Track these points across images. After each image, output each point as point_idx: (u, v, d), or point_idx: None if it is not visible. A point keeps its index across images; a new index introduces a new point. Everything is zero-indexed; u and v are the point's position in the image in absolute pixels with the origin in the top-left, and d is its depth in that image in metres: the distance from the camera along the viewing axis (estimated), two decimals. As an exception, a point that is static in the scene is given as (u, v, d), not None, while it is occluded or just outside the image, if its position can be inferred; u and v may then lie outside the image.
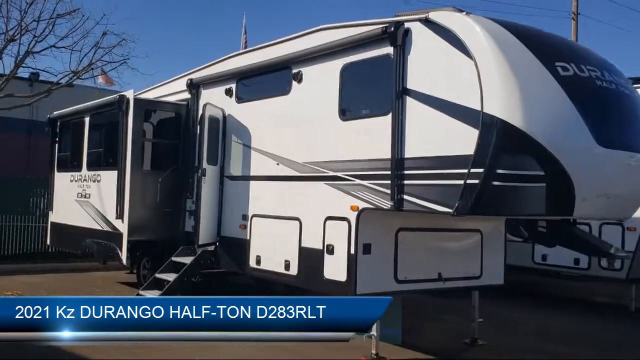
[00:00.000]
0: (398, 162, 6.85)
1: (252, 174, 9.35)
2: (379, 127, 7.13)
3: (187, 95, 11.10)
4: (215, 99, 10.25)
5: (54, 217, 13.54)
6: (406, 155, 6.83)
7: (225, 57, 10.21)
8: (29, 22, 18.32)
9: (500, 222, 8.98)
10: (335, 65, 7.89)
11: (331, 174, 7.82)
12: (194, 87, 10.75)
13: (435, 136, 6.62)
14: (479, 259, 8.72)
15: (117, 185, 10.50)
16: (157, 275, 10.03)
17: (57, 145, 13.62)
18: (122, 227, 10.44)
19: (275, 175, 8.83)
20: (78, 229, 12.14)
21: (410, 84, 6.88)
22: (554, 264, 11.99)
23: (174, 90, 11.57)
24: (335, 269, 7.63)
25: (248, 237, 9.28)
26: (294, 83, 8.59)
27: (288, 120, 8.70)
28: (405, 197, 6.80)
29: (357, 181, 7.41)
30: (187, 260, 10.03)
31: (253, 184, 9.32)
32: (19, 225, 15.63)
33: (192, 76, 10.79)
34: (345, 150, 7.63)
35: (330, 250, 7.71)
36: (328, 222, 7.80)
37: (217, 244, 9.89)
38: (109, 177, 11.07)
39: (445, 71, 6.63)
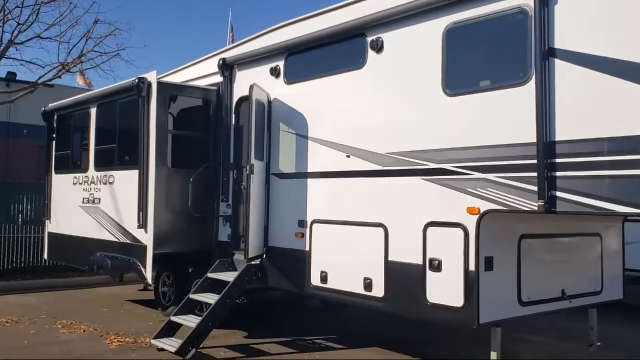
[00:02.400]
0: (547, 147, 5.10)
1: (310, 170, 7.54)
2: (512, 100, 5.38)
3: (213, 79, 9.27)
4: (255, 81, 8.44)
5: (53, 226, 11.56)
6: (558, 138, 5.08)
7: (269, 29, 8.37)
8: (12, 7, 16.34)
9: (618, 223, 7.33)
10: (435, 27, 6.12)
11: (433, 166, 6.05)
12: (227, 68, 8.91)
13: (601, 110, 4.87)
14: (599, 270, 7.08)
15: (138, 187, 8.61)
16: (192, 297, 8.17)
17: (54, 142, 11.62)
18: (146, 238, 8.56)
19: (346, 171, 7.05)
20: (84, 241, 10.23)
21: (559, 42, 5.13)
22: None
23: (197, 75, 9.72)
24: (444, 290, 5.87)
25: (307, 248, 7.48)
26: (371, 53, 6.81)
27: (363, 100, 6.92)
28: (560, 194, 5.05)
29: (477, 175, 5.64)
30: (227, 276, 8.20)
31: (312, 182, 7.51)
32: (4, 236, 13.59)
33: (226, 55, 8.95)
34: (456, 134, 5.86)
35: (436, 266, 5.94)
36: (430, 229, 6.03)
37: (264, 256, 8.07)
38: (125, 178, 9.19)
39: (610, 18, 4.89)
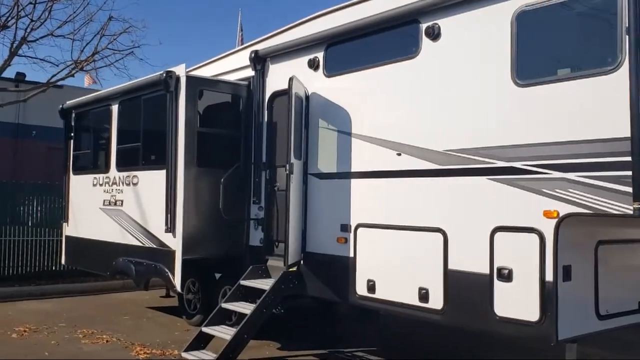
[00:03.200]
0: (645, 142, 4.50)
1: (354, 169, 6.96)
2: (600, 90, 4.78)
3: (242, 74, 8.71)
4: (290, 75, 7.88)
5: (71, 230, 11.02)
6: (658, 132, 4.47)
7: (306, 18, 7.80)
8: (25, 4, 15.85)
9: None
10: (503, 11, 5.52)
11: (501, 164, 5.46)
12: (260, 61, 8.34)
13: None
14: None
15: (166, 189, 8.05)
16: (225, 306, 7.61)
17: (72, 141, 11.08)
18: (174, 242, 8.00)
19: (396, 171, 6.46)
20: (106, 245, 9.68)
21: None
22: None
23: (224, 70, 9.16)
24: (516, 303, 5.27)
25: (352, 255, 6.89)
26: (427, 41, 6.22)
27: (416, 92, 6.33)
28: (660, 195, 4.44)
29: (556, 174, 5.04)
30: (262, 284, 7.64)
31: (357, 183, 6.93)
32: (16, 239, 13.06)
33: (258, 47, 8.38)
34: (529, 129, 5.27)
35: (506, 275, 5.34)
36: (499, 235, 5.43)
37: (301, 262, 7.49)
38: (151, 179, 8.65)
39: None
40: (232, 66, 9.03)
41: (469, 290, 5.64)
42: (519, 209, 5.27)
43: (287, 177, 6.99)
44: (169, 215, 8.01)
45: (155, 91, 8.51)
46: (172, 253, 8.05)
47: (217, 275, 9.19)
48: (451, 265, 5.85)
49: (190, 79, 8.03)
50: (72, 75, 18.00)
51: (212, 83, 8.49)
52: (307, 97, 7.57)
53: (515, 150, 5.34)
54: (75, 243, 10.82)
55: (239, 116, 8.65)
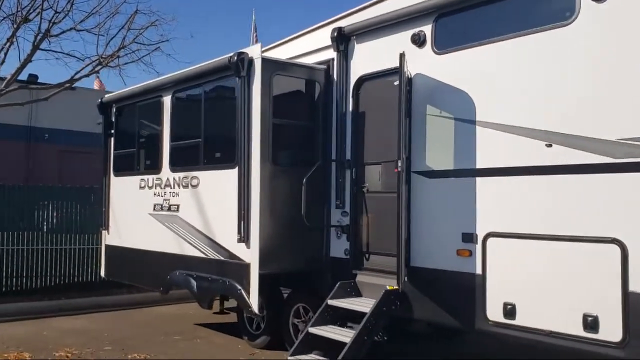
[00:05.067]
0: None
1: (480, 165, 5.70)
2: None
3: (315, 57, 7.47)
4: (383, 55, 6.65)
5: (112, 238, 9.77)
6: None
7: (407, -14, 6.53)
8: (48, -4, 14.72)
9: None
10: None
11: None
12: (343, 40, 7.09)
13: None
14: None
15: (238, 191, 6.80)
16: (313, 331, 6.35)
17: (113, 139, 9.84)
18: (248, 254, 6.74)
19: (546, 166, 5.18)
20: (157, 256, 8.44)
21: None
22: None
23: (292, 54, 7.90)
24: None
25: (479, 271, 5.62)
26: (587, 3, 4.94)
27: (572, 68, 5.06)
28: None
29: None
30: (355, 304, 6.40)
31: (485, 182, 5.66)
32: (45, 248, 11.87)
33: (342, 23, 7.12)
34: None
35: None
36: None
37: (405, 279, 6.21)
38: (215, 180, 7.42)
39: None
40: (303, 49, 7.78)
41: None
42: None
43: (399, 176, 5.70)
44: (242, 223, 6.75)
45: (220, 77, 7.29)
46: (245, 267, 6.79)
47: (284, 291, 7.96)
48: (633, 287, 4.57)
49: (266, 62, 6.78)
50: (97, 72, 16.95)
51: (287, 67, 7.23)
52: (409, 80, 6.30)
53: None
54: (118, 253, 9.57)
55: (314, 105, 7.40)
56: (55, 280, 11.94)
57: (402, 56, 5.80)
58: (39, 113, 24.79)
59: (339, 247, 7.10)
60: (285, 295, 7.94)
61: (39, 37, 15.19)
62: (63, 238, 12.04)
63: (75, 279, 12.16)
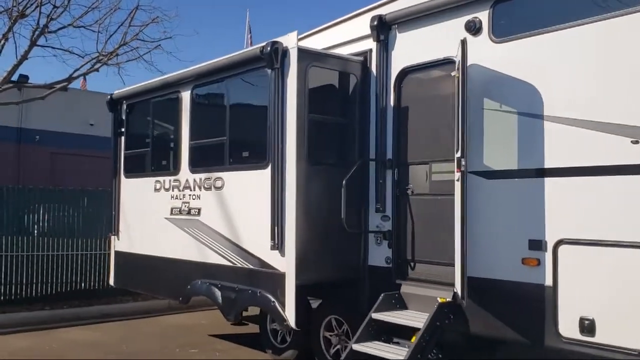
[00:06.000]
0: None
1: (550, 164, 5.15)
2: None
3: (354, 48, 6.90)
4: (430, 44, 6.10)
5: (123, 244, 9.13)
6: None
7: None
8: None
9: None
10: None
11: None
12: (384, 29, 6.52)
13: None
14: None
15: (271, 194, 6.21)
16: (357, 348, 5.77)
17: (123, 138, 9.19)
18: (283, 263, 6.15)
19: (633, 165, 4.63)
20: (175, 264, 7.82)
21: None
22: None
23: (324, 46, 7.31)
24: None
25: (549, 282, 5.06)
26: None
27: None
28: None
29: None
30: (403, 318, 5.85)
31: (556, 182, 5.11)
32: (47, 254, 11.19)
33: (382, 11, 6.55)
34: None
35: None
36: None
37: (466, 291, 5.63)
38: (243, 181, 6.83)
39: None
40: (331, 41, 7.20)
41: None
42: None
43: (462, 176, 5.12)
44: (276, 228, 6.16)
45: (249, 70, 6.69)
46: (279, 277, 6.20)
47: (312, 301, 7.37)
48: None
49: (302, 53, 6.20)
50: (97, 70, 16.32)
51: (323, 58, 6.64)
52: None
53: None
54: (129, 260, 8.93)
55: (350, 100, 6.83)
56: (56, 288, 11.25)
57: (463, 43, 5.24)
58: (29, 114, 24.33)
59: (378, 254, 6.53)
60: (314, 306, 7.36)
61: (36, 33, 14.54)
62: (63, 243, 11.38)
63: (77, 287, 11.48)
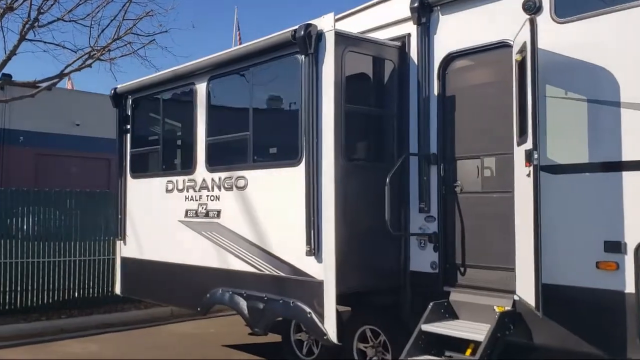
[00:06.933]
0: None
1: (628, 157, 4.58)
2: None
3: (389, 32, 6.31)
4: (481, 27, 5.53)
5: (130, 249, 8.44)
6: None
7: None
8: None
9: None
10: None
11: None
12: (426, 11, 5.94)
13: None
14: None
15: (306, 193, 5.60)
16: (410, 364, 5.18)
17: (129, 135, 8.50)
18: (321, 270, 5.54)
19: None
20: (193, 271, 7.18)
21: None
22: None
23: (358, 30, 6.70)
24: None
25: (630, 289, 4.51)
26: None
27: None
28: None
29: None
30: (462, 330, 5.26)
31: (635, 177, 4.54)
32: (43, 261, 10.48)
33: (424, -9, 5.97)
34: None
35: None
36: None
37: (519, 298, 5.08)
38: (272, 180, 6.20)
39: None
40: (362, 25, 6.60)
41: None
42: None
43: (535, 171, 4.53)
44: (312, 232, 5.55)
45: (277, 57, 6.06)
46: (316, 285, 5.59)
47: (347, 312, 6.77)
48: None
49: (340, 37, 5.58)
50: (90, 66, 15.61)
51: (359, 42, 6.03)
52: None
53: None
54: (138, 267, 8.26)
55: (387, 89, 6.24)
56: (53, 297, 10.53)
57: (532, 22, 4.64)
58: (12, 114, 23.65)
59: (422, 259, 5.94)
60: (344, 315, 6.75)
61: (27, 26, 13.82)
62: (59, 249, 10.65)
63: (76, 295, 10.77)
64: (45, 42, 14.94)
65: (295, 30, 5.63)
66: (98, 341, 9.07)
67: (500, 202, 5.38)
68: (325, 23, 5.59)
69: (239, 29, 23.79)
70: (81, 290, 10.84)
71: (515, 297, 5.14)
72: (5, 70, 14.89)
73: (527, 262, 4.66)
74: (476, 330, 5.14)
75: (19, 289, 10.24)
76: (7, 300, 10.12)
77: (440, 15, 5.93)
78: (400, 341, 5.96)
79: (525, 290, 4.74)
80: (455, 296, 5.67)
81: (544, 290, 4.51)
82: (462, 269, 5.71)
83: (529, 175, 4.61)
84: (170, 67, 7.40)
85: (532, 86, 4.57)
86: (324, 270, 5.53)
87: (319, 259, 5.57)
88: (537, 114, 4.55)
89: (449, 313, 5.63)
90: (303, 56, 5.66)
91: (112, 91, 8.52)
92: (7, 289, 10.11)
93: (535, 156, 4.51)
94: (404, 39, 6.17)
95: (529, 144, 4.61)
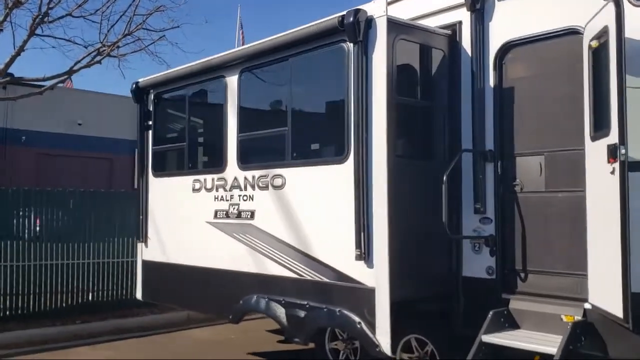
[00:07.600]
0: None
1: None
2: None
3: (436, 20, 5.88)
4: (543, 12, 5.10)
5: (153, 252, 7.98)
6: None
7: None
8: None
9: None
10: None
11: None
12: (480, -3, 5.52)
13: None
14: None
15: (356, 193, 5.16)
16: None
17: (151, 132, 8.05)
18: (372, 276, 5.10)
19: None
20: (223, 276, 6.73)
21: None
22: None
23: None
24: None
25: None
26: None
27: None
28: None
29: None
30: (529, 342, 4.82)
31: None
32: (53, 263, 10.06)
33: (478, -24, 5.53)
34: None
35: None
36: None
37: (590, 307, 4.65)
38: (314, 178, 5.76)
39: None
40: (409, 12, 6.16)
41: None
42: None
43: (623, 168, 4.09)
44: (362, 234, 5.12)
45: (320, 46, 5.63)
46: (367, 293, 5.15)
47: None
48: None
49: (391, 24, 5.15)
50: (99, 62, 15.21)
51: (410, 30, 5.58)
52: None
53: None
54: (161, 271, 7.81)
55: (437, 80, 5.80)
56: (66, 301, 10.12)
57: (617, 3, 4.20)
58: (14, 114, 23.39)
59: (477, 263, 5.51)
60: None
61: (36, 21, 13.42)
62: (72, 250, 10.24)
63: (89, 299, 10.36)
64: (55, 38, 14.53)
65: (343, 16, 5.20)
66: (115, 348, 8.69)
67: (567, 202, 4.95)
68: (376, 8, 5.15)
69: (242, 28, 23.47)
70: (95, 294, 10.44)
71: (587, 306, 4.71)
72: (9, 69, 14.52)
73: (609, 268, 4.23)
74: (545, 342, 4.72)
75: (30, 292, 9.83)
76: (19, 305, 9.71)
77: (496, 1, 5.50)
78: (448, 352, 5.56)
79: (607, 299, 4.31)
80: (516, 304, 5.24)
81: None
82: (522, 275, 5.28)
83: (612, 172, 4.17)
84: (180, 64, 7.02)
85: (619, 74, 4.13)
86: (375, 277, 5.09)
87: (369, 264, 5.14)
88: (624, 105, 4.12)
89: (509, 322, 5.19)
90: (351, 44, 5.23)
91: (134, 85, 8.08)
92: (20, 292, 9.70)
93: (622, 151, 4.07)
94: (454, 27, 5.74)
95: (612, 138, 4.17)
